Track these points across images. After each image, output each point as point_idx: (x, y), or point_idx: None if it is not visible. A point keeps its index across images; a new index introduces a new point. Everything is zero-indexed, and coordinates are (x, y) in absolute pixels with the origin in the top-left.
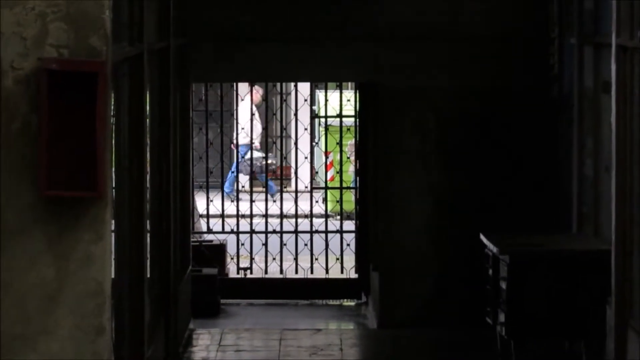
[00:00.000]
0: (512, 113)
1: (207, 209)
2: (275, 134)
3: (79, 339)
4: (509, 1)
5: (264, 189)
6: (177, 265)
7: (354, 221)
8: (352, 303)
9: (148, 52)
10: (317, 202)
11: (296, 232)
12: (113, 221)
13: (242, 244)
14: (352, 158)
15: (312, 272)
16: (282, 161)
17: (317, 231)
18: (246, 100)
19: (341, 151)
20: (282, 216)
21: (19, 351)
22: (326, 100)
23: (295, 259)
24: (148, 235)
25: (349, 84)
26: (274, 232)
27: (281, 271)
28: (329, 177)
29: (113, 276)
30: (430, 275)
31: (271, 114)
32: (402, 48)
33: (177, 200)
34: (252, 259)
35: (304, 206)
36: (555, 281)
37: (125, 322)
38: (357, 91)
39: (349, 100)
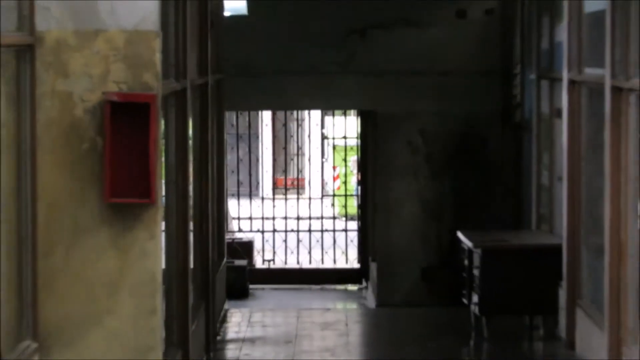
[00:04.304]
0: (485, 134)
1: (238, 212)
2: (292, 152)
3: (137, 317)
4: (481, 44)
5: (285, 196)
6: (215, 257)
7: (356, 222)
8: (355, 288)
9: (190, 86)
10: (326, 206)
11: (310, 230)
12: (163, 223)
13: (267, 241)
14: (355, 171)
15: (322, 263)
16: (298, 174)
17: (326, 230)
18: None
19: (346, 166)
20: (298, 218)
21: (87, 328)
22: (333, 125)
23: (309, 252)
24: (191, 234)
25: (353, 110)
26: (292, 231)
27: (298, 262)
28: (336, 186)
29: (163, 267)
30: (418, 265)
31: (289, 136)
32: (396, 81)
33: (214, 205)
34: (274, 252)
35: (316, 210)
36: (518, 269)
37: (174, 303)
38: (359, 116)
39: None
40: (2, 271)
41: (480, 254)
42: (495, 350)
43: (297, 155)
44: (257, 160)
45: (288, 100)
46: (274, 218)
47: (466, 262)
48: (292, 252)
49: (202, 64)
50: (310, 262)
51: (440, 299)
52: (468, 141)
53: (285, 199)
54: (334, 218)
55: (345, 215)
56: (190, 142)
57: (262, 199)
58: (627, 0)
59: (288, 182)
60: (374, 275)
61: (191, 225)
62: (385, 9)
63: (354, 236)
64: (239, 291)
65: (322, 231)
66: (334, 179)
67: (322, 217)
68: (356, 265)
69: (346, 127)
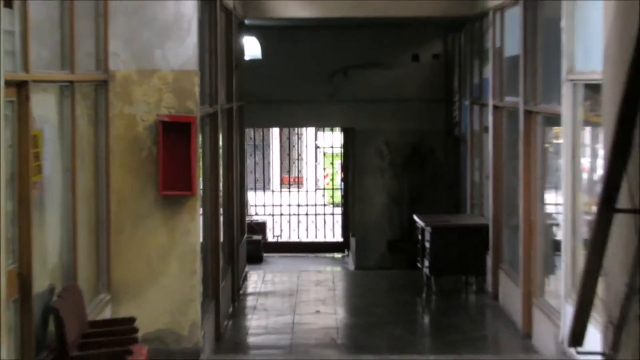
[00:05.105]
0: (433, 144)
1: (255, 201)
2: (294, 158)
3: (182, 277)
4: (430, 79)
5: (288, 189)
6: (238, 234)
7: (340, 208)
8: (339, 255)
9: (220, 110)
10: (318, 197)
11: (307, 214)
12: (201, 209)
13: (276, 222)
14: (339, 171)
15: (316, 238)
16: (298, 173)
17: (319, 214)
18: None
19: (333, 167)
20: (298, 205)
21: (144, 287)
22: (324, 138)
23: (307, 230)
24: (221, 216)
25: (337, 127)
26: (294, 214)
27: (298, 237)
28: (326, 182)
29: (201, 240)
30: (385, 239)
31: (292, 146)
32: (368, 106)
33: (237, 196)
34: (281, 230)
35: (311, 199)
36: (457, 242)
37: (209, 267)
38: (342, 132)
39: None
40: (86, 245)
41: (430, 230)
42: (441, 301)
43: (297, 159)
44: (269, 163)
45: (291, 120)
46: (280, 205)
47: (420, 237)
48: (294, 230)
49: (229, 94)
50: (307, 237)
51: (401, 264)
52: (420, 150)
53: (289, 191)
54: (324, 205)
55: (333, 203)
56: (220, 150)
57: (272, 191)
58: (534, 49)
59: (291, 179)
60: (353, 246)
61: (221, 210)
62: (360, 55)
63: (338, 218)
64: (255, 258)
65: (315, 215)
66: (324, 177)
67: (315, 205)
68: (340, 239)
69: (333, 139)
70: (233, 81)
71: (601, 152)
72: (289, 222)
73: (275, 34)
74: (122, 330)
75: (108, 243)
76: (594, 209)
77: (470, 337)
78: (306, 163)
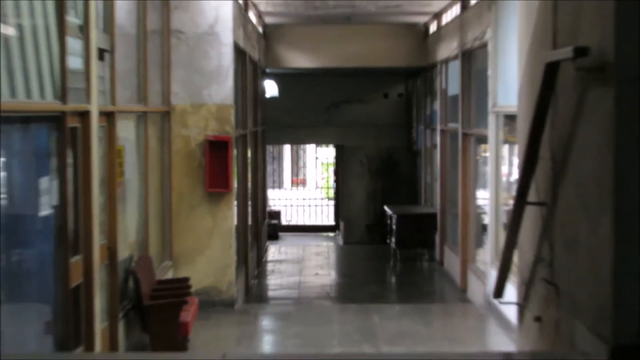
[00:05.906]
0: (399, 156)
1: (273, 196)
2: (300, 166)
3: (222, 249)
4: (396, 111)
5: (297, 188)
6: (261, 219)
7: (333, 201)
8: (332, 234)
9: (249, 132)
10: (318, 193)
11: (309, 205)
12: (235, 201)
13: (287, 210)
14: (333, 175)
15: (316, 222)
16: (303, 176)
17: (318, 205)
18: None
19: (328, 172)
20: (304, 199)
21: (195, 256)
22: (321, 151)
23: (309, 216)
24: (249, 207)
25: (332, 144)
26: (301, 205)
27: (303, 221)
28: (323, 183)
29: (235, 224)
30: (364, 223)
31: (299, 157)
32: (353, 129)
33: (260, 192)
34: (291, 216)
35: (312, 195)
36: (414, 225)
37: (240, 243)
38: (335, 148)
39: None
40: (155, 227)
41: (396, 217)
42: (403, 266)
43: (303, 167)
44: (282, 169)
45: (298, 139)
46: (291, 199)
47: (388, 221)
48: (300, 216)
49: (255, 121)
50: (309, 221)
51: (376, 240)
52: (390, 161)
53: (297, 189)
54: (322, 199)
55: (328, 197)
56: (249, 160)
57: (285, 189)
58: (469, 89)
59: (298, 181)
60: (342, 228)
61: (249, 202)
62: (348, 94)
63: (331, 208)
64: (273, 236)
65: (315, 206)
66: (322, 179)
67: (315, 198)
68: (333, 223)
69: (328, 153)
70: (258, 112)
71: (516, 162)
72: (297, 210)
73: (288, 79)
74: (180, 287)
75: (170, 225)
76: (511, 202)
77: (424, 291)
78: (309, 169)
